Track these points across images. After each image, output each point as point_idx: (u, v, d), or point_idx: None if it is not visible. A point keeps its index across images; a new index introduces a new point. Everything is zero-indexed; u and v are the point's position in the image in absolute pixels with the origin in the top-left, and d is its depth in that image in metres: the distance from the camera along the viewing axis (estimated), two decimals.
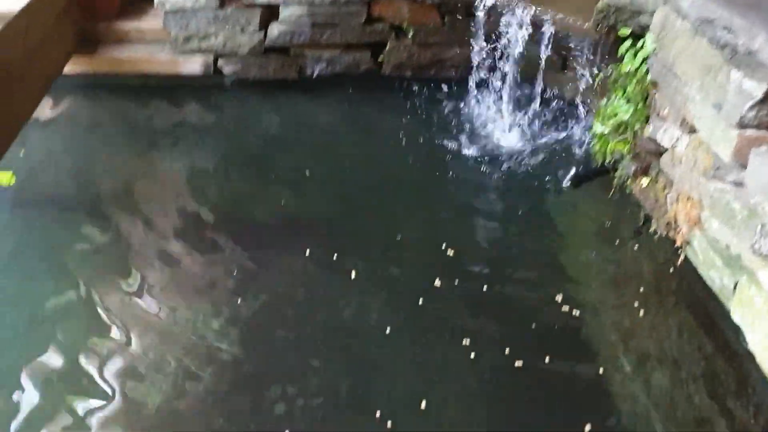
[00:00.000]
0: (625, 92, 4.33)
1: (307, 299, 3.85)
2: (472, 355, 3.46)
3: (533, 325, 3.63)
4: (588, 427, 3.11)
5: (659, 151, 4.10)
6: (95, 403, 3.25)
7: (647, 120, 4.22)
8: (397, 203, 4.62)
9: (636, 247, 4.13)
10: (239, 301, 3.78)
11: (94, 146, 5.15)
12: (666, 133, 3.96)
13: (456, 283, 3.88)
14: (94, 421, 3.17)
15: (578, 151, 4.95)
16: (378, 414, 3.19)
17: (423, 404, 3.23)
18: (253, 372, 3.43)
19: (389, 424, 3.15)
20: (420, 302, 3.77)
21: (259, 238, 4.30)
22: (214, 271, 4.02)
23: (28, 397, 3.26)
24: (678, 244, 3.93)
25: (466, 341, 3.53)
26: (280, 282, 3.94)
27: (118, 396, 3.27)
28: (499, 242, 4.32)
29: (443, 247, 4.12)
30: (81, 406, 3.24)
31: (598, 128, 4.48)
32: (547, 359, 3.43)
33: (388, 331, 3.61)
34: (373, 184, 4.81)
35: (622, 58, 4.28)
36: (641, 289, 3.83)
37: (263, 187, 4.72)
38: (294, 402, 3.27)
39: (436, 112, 5.51)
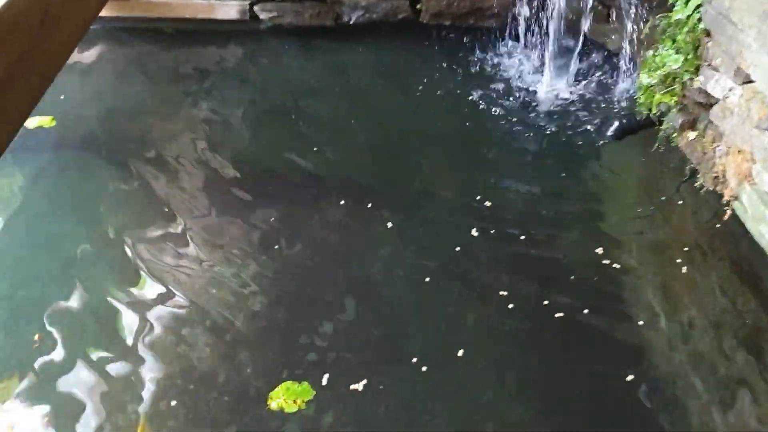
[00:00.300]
0: (674, 42, 4.16)
1: (341, 248, 3.84)
2: (510, 306, 3.42)
3: (572, 278, 3.57)
4: (630, 377, 3.08)
5: (709, 103, 3.94)
6: (118, 348, 3.30)
7: (697, 70, 4.05)
8: (433, 154, 4.54)
9: (680, 202, 4.01)
10: (271, 250, 3.77)
11: (129, 91, 5.13)
12: (718, 84, 3.80)
13: (493, 234, 3.83)
14: (116, 366, 3.22)
15: (622, 104, 4.80)
16: (414, 360, 3.18)
17: (460, 353, 3.22)
18: (286, 319, 3.44)
19: (424, 368, 3.15)
20: (456, 252, 3.73)
21: (293, 187, 4.27)
22: (246, 220, 4.01)
23: (53, 339, 3.32)
24: (726, 198, 3.81)
25: (503, 292, 3.49)
26: (314, 231, 3.92)
27: (142, 344, 3.31)
28: (537, 195, 4.21)
29: (479, 199, 4.06)
30: (103, 351, 3.29)
31: (644, 80, 4.31)
32: (586, 311, 3.38)
33: (424, 280, 3.59)
34: (409, 134, 4.72)
35: (672, 7, 4.10)
36: (684, 245, 3.73)
37: (297, 136, 4.67)
38: (327, 349, 3.29)
39: (475, 63, 5.37)
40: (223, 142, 4.60)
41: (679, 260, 3.64)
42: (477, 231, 3.84)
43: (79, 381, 3.14)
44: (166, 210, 4.03)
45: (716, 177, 3.87)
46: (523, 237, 3.81)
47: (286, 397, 3.03)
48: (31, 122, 4.42)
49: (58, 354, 3.24)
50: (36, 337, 3.14)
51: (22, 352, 3.23)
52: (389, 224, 3.90)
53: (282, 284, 3.61)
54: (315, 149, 4.51)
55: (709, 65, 3.91)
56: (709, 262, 3.67)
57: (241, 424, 2.97)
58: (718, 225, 3.78)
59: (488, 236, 3.82)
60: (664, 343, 3.28)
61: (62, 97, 4.80)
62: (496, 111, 4.80)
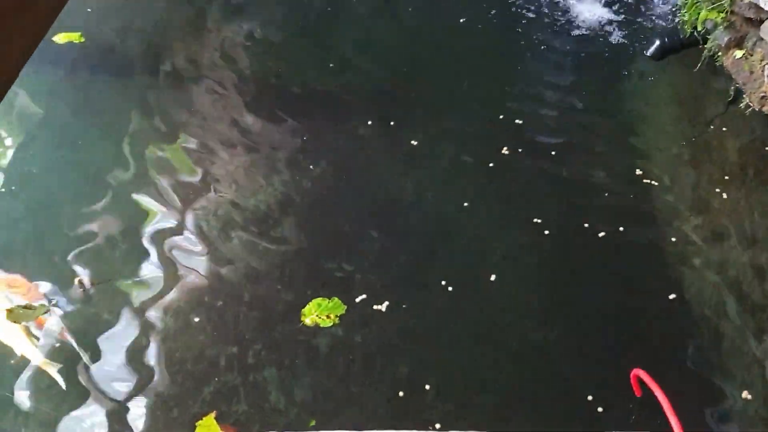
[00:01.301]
0: None
1: (368, 167, 3.76)
2: (546, 231, 3.35)
3: (606, 195, 3.50)
4: (672, 296, 3.04)
5: (759, 18, 3.73)
6: (146, 269, 3.28)
7: None
8: (466, 71, 4.36)
9: (723, 123, 3.86)
10: (296, 170, 3.71)
11: (157, 6, 4.97)
12: None
13: (524, 153, 3.72)
14: (144, 290, 3.22)
15: (664, 21, 4.57)
16: (443, 283, 3.15)
17: (492, 277, 3.18)
18: (312, 240, 3.40)
19: (450, 288, 3.13)
20: (486, 171, 3.64)
21: (323, 105, 4.16)
22: (274, 139, 3.93)
23: (83, 258, 3.32)
24: None
25: (537, 219, 3.41)
26: (342, 149, 3.84)
27: (171, 264, 3.30)
28: (572, 114, 4.06)
29: (511, 116, 3.93)
30: (130, 273, 3.28)
31: None
32: (621, 229, 3.31)
33: (453, 203, 3.52)
34: (440, 51, 4.55)
35: None
36: (726, 166, 3.61)
37: (327, 54, 4.51)
38: (354, 271, 3.26)
39: None
40: (250, 62, 4.47)
41: (719, 181, 3.53)
42: (508, 149, 3.73)
43: (105, 295, 3.17)
44: (189, 128, 3.96)
45: (764, 97, 3.70)
46: (555, 154, 3.71)
47: (319, 313, 3.04)
48: (60, 37, 4.32)
49: (88, 272, 3.25)
50: (76, 281, 3.15)
51: (51, 266, 3.26)
52: (414, 142, 3.81)
53: (309, 205, 3.56)
54: (345, 69, 4.36)
55: None
56: (750, 184, 3.55)
57: (270, 339, 2.99)
58: (763, 147, 3.64)
59: (519, 155, 3.71)
60: (701, 265, 3.22)
61: (89, 10, 4.68)
62: (532, 27, 4.59)
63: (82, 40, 4.38)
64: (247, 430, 2.69)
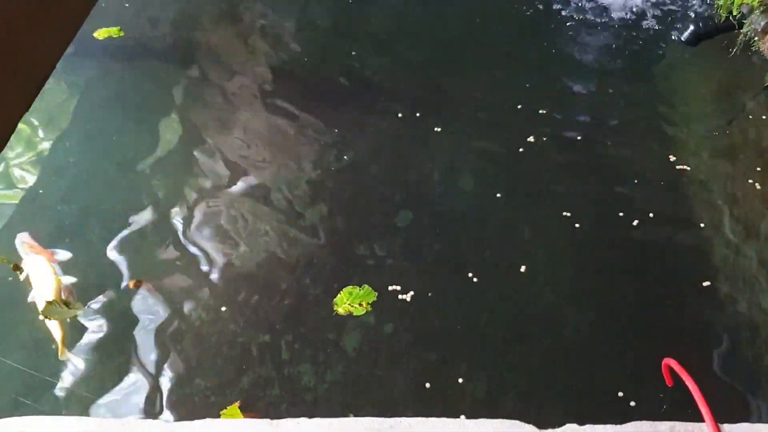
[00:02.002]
0: None
1: (395, 157, 3.77)
2: (576, 221, 3.33)
3: (636, 181, 3.47)
4: (706, 283, 3.03)
5: None
6: (181, 251, 3.34)
7: None
8: (495, 58, 4.34)
9: (759, 108, 3.78)
10: (326, 160, 3.74)
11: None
12: None
13: (553, 140, 3.70)
14: (179, 269, 3.27)
15: (698, 7, 4.48)
16: (470, 275, 3.16)
17: (522, 268, 3.17)
18: (342, 230, 3.43)
19: (475, 279, 3.13)
20: (514, 160, 3.63)
21: (350, 95, 4.17)
22: (301, 130, 3.95)
23: (119, 248, 3.39)
24: None
25: (567, 202, 3.39)
26: (370, 139, 3.85)
27: (207, 248, 3.36)
28: (605, 102, 4.01)
29: (541, 101, 3.91)
30: (170, 254, 3.35)
31: None
32: (651, 215, 3.29)
33: (477, 192, 3.52)
34: (465, 38, 4.52)
35: None
36: (760, 154, 3.55)
37: (352, 44, 4.52)
38: (384, 258, 3.28)
39: None
40: (279, 51, 4.50)
41: (754, 169, 3.47)
42: (535, 137, 3.71)
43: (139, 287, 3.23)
44: (222, 117, 4.01)
45: None
46: (586, 141, 3.69)
47: (351, 301, 3.06)
48: (99, 33, 4.41)
49: (124, 261, 3.33)
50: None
51: (90, 257, 3.33)
52: (439, 129, 3.81)
53: (338, 193, 3.59)
54: (370, 59, 4.38)
55: None
56: None
57: (303, 327, 3.03)
58: None
59: (547, 143, 3.69)
60: (733, 252, 3.17)
61: (126, 5, 4.75)
62: (563, 13, 4.54)
63: (122, 34, 4.45)
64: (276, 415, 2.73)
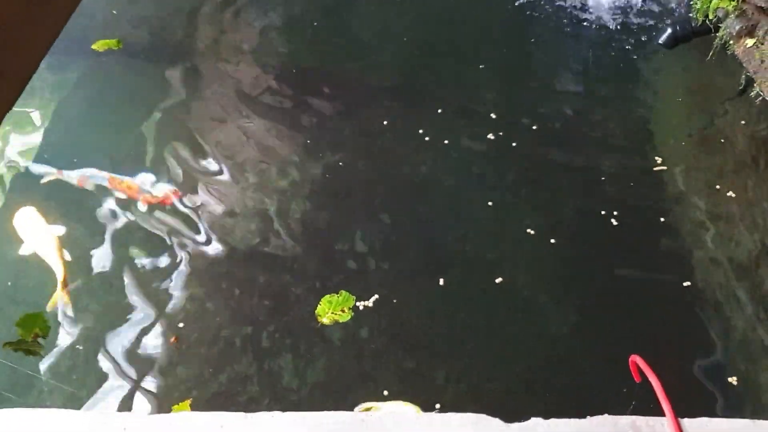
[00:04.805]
0: None
1: (382, 157, 3.81)
2: (558, 218, 3.40)
3: (618, 183, 3.54)
4: (687, 283, 3.12)
5: None
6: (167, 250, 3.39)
7: None
8: (479, 60, 4.36)
9: (734, 111, 3.87)
10: (311, 158, 3.78)
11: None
12: None
13: (535, 141, 3.77)
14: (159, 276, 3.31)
15: (676, 11, 4.56)
16: (451, 273, 3.21)
17: (501, 269, 3.22)
18: (322, 230, 3.47)
19: (454, 280, 3.17)
20: (498, 160, 3.69)
21: (332, 98, 4.18)
22: (289, 125, 4.00)
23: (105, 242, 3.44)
24: None
25: (549, 201, 3.47)
26: (358, 138, 3.89)
27: (189, 246, 3.41)
28: (585, 102, 4.09)
29: (524, 106, 3.97)
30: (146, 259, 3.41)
31: None
32: (634, 216, 3.37)
33: (463, 192, 3.58)
34: (455, 39, 4.56)
35: None
36: (736, 155, 3.64)
37: (345, 43, 4.55)
38: (363, 262, 3.33)
39: None
40: (272, 51, 4.52)
41: (730, 170, 3.56)
42: (519, 138, 3.78)
43: (123, 283, 3.27)
44: (207, 118, 4.04)
45: None
46: (566, 142, 3.76)
47: (333, 309, 3.08)
48: (98, 45, 4.39)
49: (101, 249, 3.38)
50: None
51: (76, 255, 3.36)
52: (423, 131, 3.85)
53: (319, 193, 3.63)
54: (361, 58, 4.42)
55: None
56: (761, 173, 3.57)
57: (282, 324, 3.07)
58: None
59: (530, 143, 3.75)
60: (708, 254, 3.25)
61: (114, 12, 4.74)
62: (545, 15, 4.60)
63: (120, 46, 4.43)
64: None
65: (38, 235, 3.33)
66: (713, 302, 3.08)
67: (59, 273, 3.20)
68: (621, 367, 2.73)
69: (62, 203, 3.56)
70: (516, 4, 4.69)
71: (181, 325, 3.08)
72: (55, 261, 3.24)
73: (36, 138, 3.89)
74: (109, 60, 4.37)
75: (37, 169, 3.65)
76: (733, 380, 2.81)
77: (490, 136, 3.82)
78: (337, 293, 3.14)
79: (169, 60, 4.43)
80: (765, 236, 3.28)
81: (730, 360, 2.90)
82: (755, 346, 2.94)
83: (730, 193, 3.46)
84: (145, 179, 3.61)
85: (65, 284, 3.17)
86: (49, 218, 3.40)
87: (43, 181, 3.60)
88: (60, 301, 3.12)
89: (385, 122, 3.94)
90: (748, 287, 3.12)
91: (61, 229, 3.37)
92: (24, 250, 3.30)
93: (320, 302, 3.12)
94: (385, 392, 2.82)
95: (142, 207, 3.50)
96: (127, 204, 3.54)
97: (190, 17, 4.77)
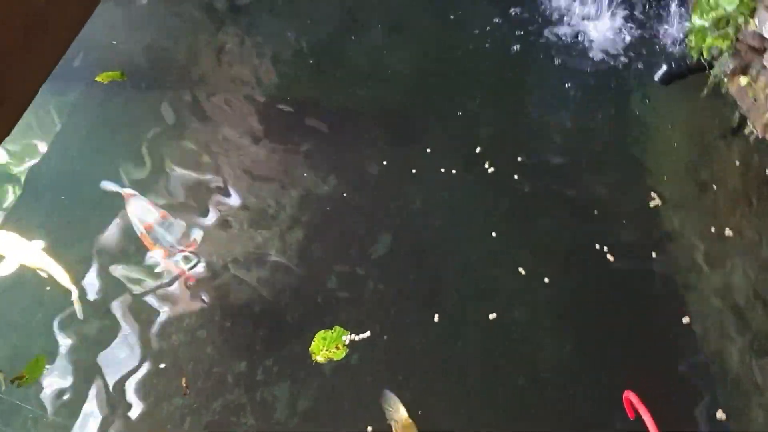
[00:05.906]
0: None
1: (378, 184, 3.83)
2: (553, 254, 3.41)
3: (612, 219, 3.55)
4: (686, 320, 3.15)
5: (763, 47, 3.78)
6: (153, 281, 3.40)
7: (752, 13, 3.86)
8: (475, 95, 4.39)
9: (728, 149, 3.90)
10: (304, 187, 3.80)
11: (171, 25, 5.06)
12: None
13: (528, 174, 3.79)
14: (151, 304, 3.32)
15: (671, 47, 4.62)
16: (444, 309, 3.23)
17: (496, 300, 3.23)
18: (314, 262, 3.47)
19: (448, 313, 3.16)
20: (491, 192, 3.72)
21: (330, 130, 4.19)
22: (286, 153, 4.02)
23: (97, 267, 3.43)
24: None
25: (543, 235, 3.49)
26: (354, 172, 3.90)
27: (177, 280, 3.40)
28: (579, 137, 4.08)
29: (518, 138, 4.01)
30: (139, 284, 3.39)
31: (697, 22, 4.13)
32: (629, 252, 3.38)
33: (457, 224, 3.59)
34: (450, 72, 4.58)
35: None
36: (730, 193, 3.65)
37: (339, 73, 4.58)
38: (362, 286, 3.33)
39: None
40: (264, 77, 4.56)
41: (724, 208, 3.56)
42: (513, 171, 3.80)
43: (116, 303, 3.26)
44: (204, 145, 4.06)
45: (767, 124, 3.73)
46: (560, 176, 3.78)
47: (328, 347, 3.06)
48: (102, 77, 4.43)
49: (94, 276, 3.37)
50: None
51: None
52: (420, 172, 3.87)
53: (313, 225, 3.64)
54: (358, 87, 4.44)
55: (766, 6, 3.73)
56: (756, 211, 3.58)
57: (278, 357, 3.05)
58: (767, 173, 3.67)
59: (524, 176, 3.78)
60: (703, 291, 3.26)
61: (114, 42, 4.78)
62: (541, 50, 4.62)
63: (125, 78, 4.47)
64: None
65: (26, 251, 3.38)
66: (708, 339, 3.08)
67: (65, 279, 3.26)
68: (615, 403, 2.75)
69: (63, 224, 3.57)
70: (514, 39, 4.73)
71: (174, 353, 3.06)
72: (56, 268, 3.29)
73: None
74: (111, 89, 4.40)
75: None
76: (722, 416, 2.82)
77: (488, 168, 3.84)
78: (331, 329, 3.12)
79: (169, 89, 4.46)
80: (759, 273, 3.28)
81: (722, 397, 2.90)
82: (747, 384, 2.94)
83: (726, 230, 3.46)
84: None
85: (75, 284, 3.26)
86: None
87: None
88: (77, 304, 3.21)
89: (378, 157, 3.96)
90: (741, 325, 3.12)
91: (40, 243, 3.43)
92: (5, 270, 3.35)
93: (314, 339, 3.10)
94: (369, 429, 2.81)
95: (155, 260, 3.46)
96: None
97: (189, 47, 4.81)
